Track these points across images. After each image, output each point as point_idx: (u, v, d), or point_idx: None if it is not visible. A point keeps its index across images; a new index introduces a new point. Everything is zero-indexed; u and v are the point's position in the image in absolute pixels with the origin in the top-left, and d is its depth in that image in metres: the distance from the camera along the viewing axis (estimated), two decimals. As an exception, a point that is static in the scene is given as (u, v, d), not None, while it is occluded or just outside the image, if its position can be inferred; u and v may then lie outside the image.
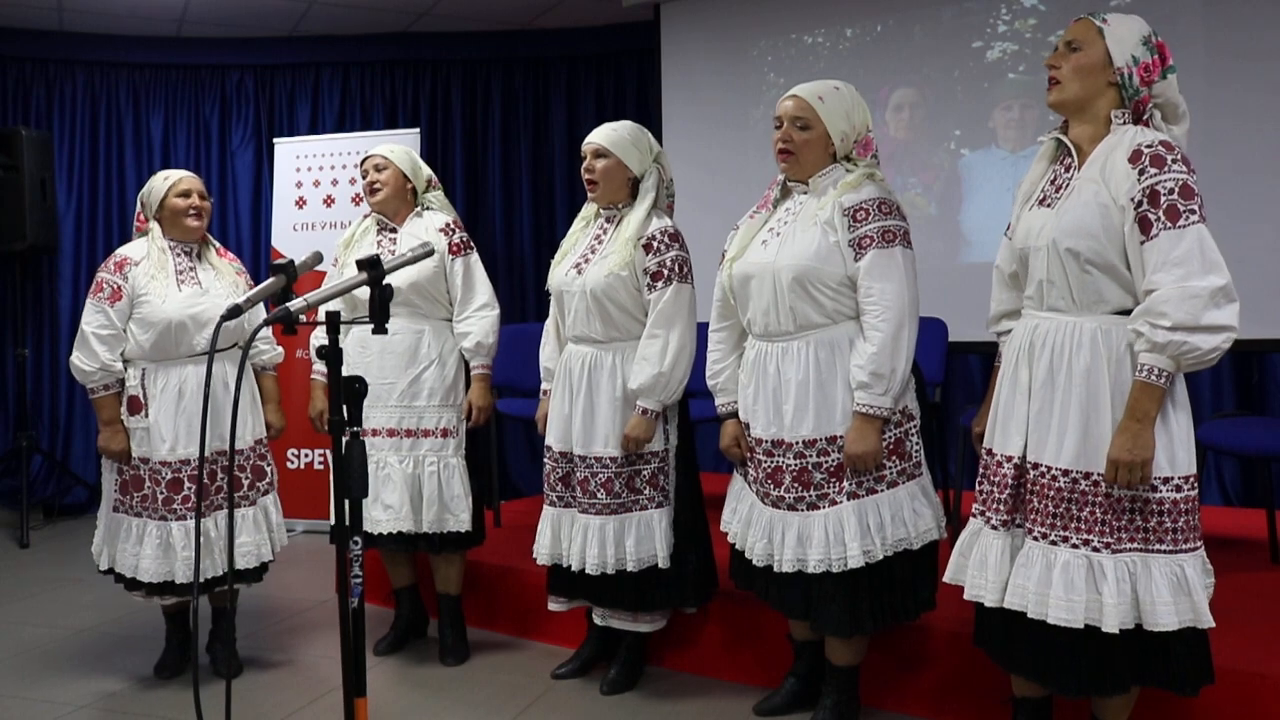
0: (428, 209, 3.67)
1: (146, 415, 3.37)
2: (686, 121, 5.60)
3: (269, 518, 3.54)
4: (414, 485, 3.52)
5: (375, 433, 3.51)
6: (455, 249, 3.59)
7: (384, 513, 3.50)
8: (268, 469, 3.57)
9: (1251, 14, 4.13)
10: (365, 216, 3.75)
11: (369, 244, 3.60)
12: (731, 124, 5.48)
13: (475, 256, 3.65)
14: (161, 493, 3.35)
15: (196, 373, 3.38)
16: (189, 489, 3.35)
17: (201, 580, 3.35)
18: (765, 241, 2.85)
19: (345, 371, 3.45)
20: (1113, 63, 2.32)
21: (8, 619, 4.26)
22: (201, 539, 3.33)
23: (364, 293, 3.31)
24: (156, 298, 3.34)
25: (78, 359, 3.37)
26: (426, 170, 3.73)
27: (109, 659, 3.74)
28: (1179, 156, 2.24)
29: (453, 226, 3.63)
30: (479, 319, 3.56)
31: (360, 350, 3.54)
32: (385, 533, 3.50)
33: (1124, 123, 2.34)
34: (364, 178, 3.64)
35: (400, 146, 3.70)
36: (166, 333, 3.35)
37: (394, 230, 3.62)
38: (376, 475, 3.50)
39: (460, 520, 3.53)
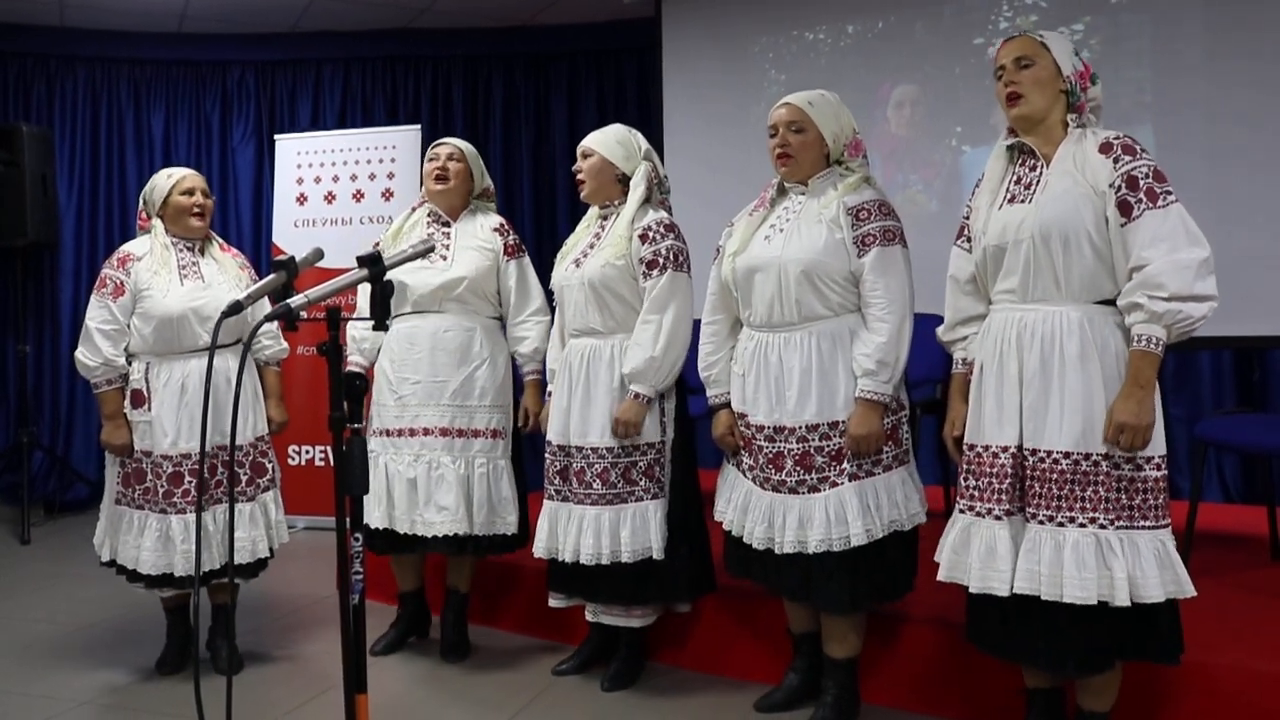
0: (479, 210, 3.66)
1: (149, 409, 3.38)
2: (688, 118, 5.59)
3: (268, 514, 3.53)
4: (466, 487, 3.47)
5: (428, 432, 3.47)
6: (510, 251, 3.59)
7: (438, 514, 3.43)
8: (269, 465, 3.56)
9: (1252, 13, 4.12)
10: (414, 209, 3.69)
11: (419, 236, 3.54)
12: (733, 120, 5.47)
13: (528, 259, 3.64)
14: (162, 486, 3.36)
15: (199, 367, 3.39)
16: (189, 483, 3.35)
17: (204, 572, 3.35)
18: (768, 237, 2.94)
19: (390, 369, 3.49)
20: (1062, 72, 2.49)
21: (9, 615, 4.27)
22: (200, 533, 3.34)
23: (417, 286, 3.37)
24: (159, 292, 3.36)
25: (81, 354, 3.39)
26: (489, 179, 3.73)
27: (110, 654, 3.74)
28: (1143, 146, 2.41)
29: (506, 228, 3.63)
30: (536, 324, 3.56)
31: (408, 346, 3.50)
32: (439, 535, 3.44)
33: (1077, 125, 2.49)
34: (431, 161, 3.60)
35: (471, 146, 3.68)
36: (168, 326, 3.36)
37: (448, 225, 3.59)
38: (429, 476, 3.45)
39: (508, 523, 3.50)
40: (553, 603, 3.42)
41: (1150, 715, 2.75)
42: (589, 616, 3.39)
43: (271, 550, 3.56)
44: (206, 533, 3.37)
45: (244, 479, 3.48)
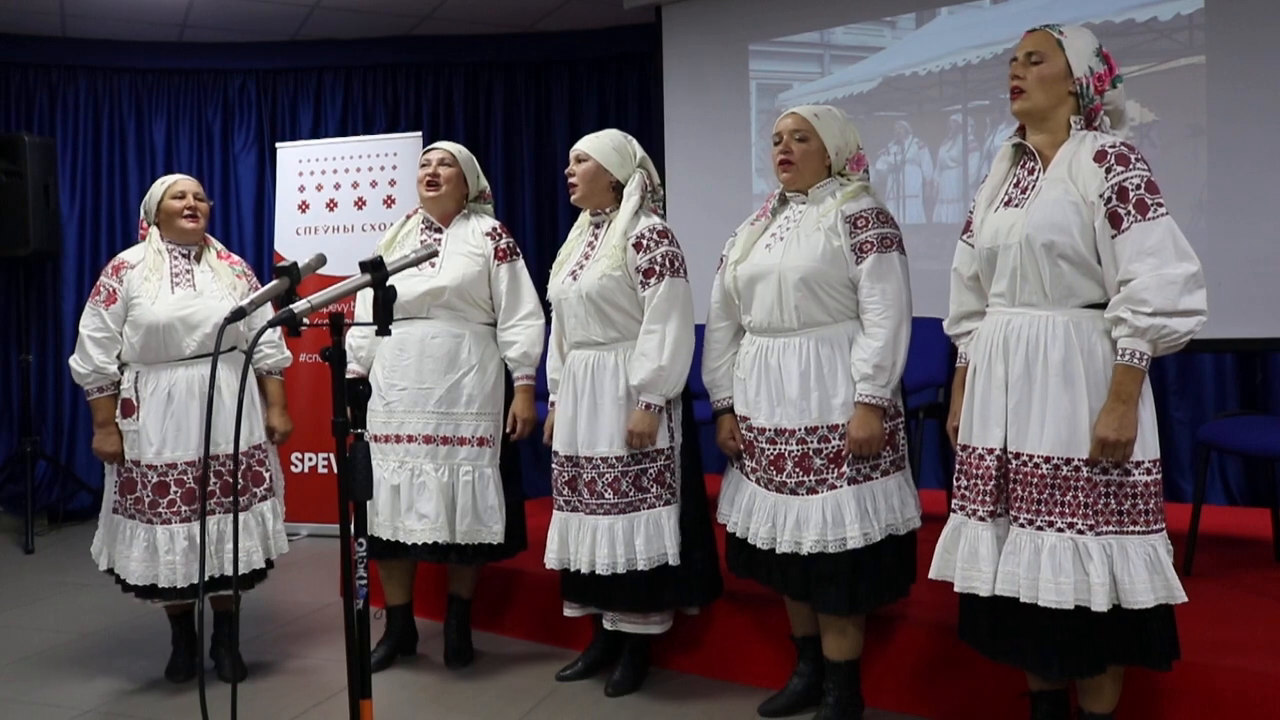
0: (474, 213, 3.64)
1: (137, 418, 3.38)
2: (688, 124, 5.59)
3: (265, 524, 3.49)
4: (448, 495, 3.46)
5: (411, 439, 3.46)
6: (501, 254, 3.55)
7: (419, 522, 3.43)
8: (266, 474, 3.52)
9: (1253, 12, 4.12)
10: (408, 217, 3.68)
11: (413, 245, 3.52)
12: (733, 127, 5.48)
13: (521, 263, 3.60)
14: (148, 496, 3.35)
15: (186, 376, 3.38)
16: (175, 493, 3.34)
17: (189, 585, 3.34)
18: (769, 246, 2.98)
19: (381, 375, 3.48)
20: (1072, 73, 2.46)
21: (12, 624, 4.27)
22: (187, 543, 3.33)
23: (404, 293, 3.38)
24: (147, 299, 3.36)
25: (74, 361, 3.41)
26: (485, 182, 3.71)
27: (113, 664, 3.74)
28: (1140, 155, 2.39)
29: (499, 231, 3.59)
30: (525, 328, 3.52)
31: (398, 353, 3.49)
32: (420, 543, 3.44)
33: (1081, 129, 2.46)
34: (423, 168, 3.58)
35: (465, 149, 3.66)
36: (154, 335, 3.36)
37: (439, 231, 3.58)
38: (412, 483, 3.44)
39: (493, 532, 3.47)
40: (568, 612, 3.43)
41: (1153, 717, 2.75)
42: (608, 625, 3.38)
43: (270, 561, 3.53)
44: (194, 543, 3.34)
45: (236, 488, 3.43)
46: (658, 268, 3.17)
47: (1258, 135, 4.09)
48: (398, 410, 3.48)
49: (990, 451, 2.49)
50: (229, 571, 3.37)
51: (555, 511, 3.34)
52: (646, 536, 3.17)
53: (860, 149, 3.02)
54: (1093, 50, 2.48)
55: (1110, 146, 2.38)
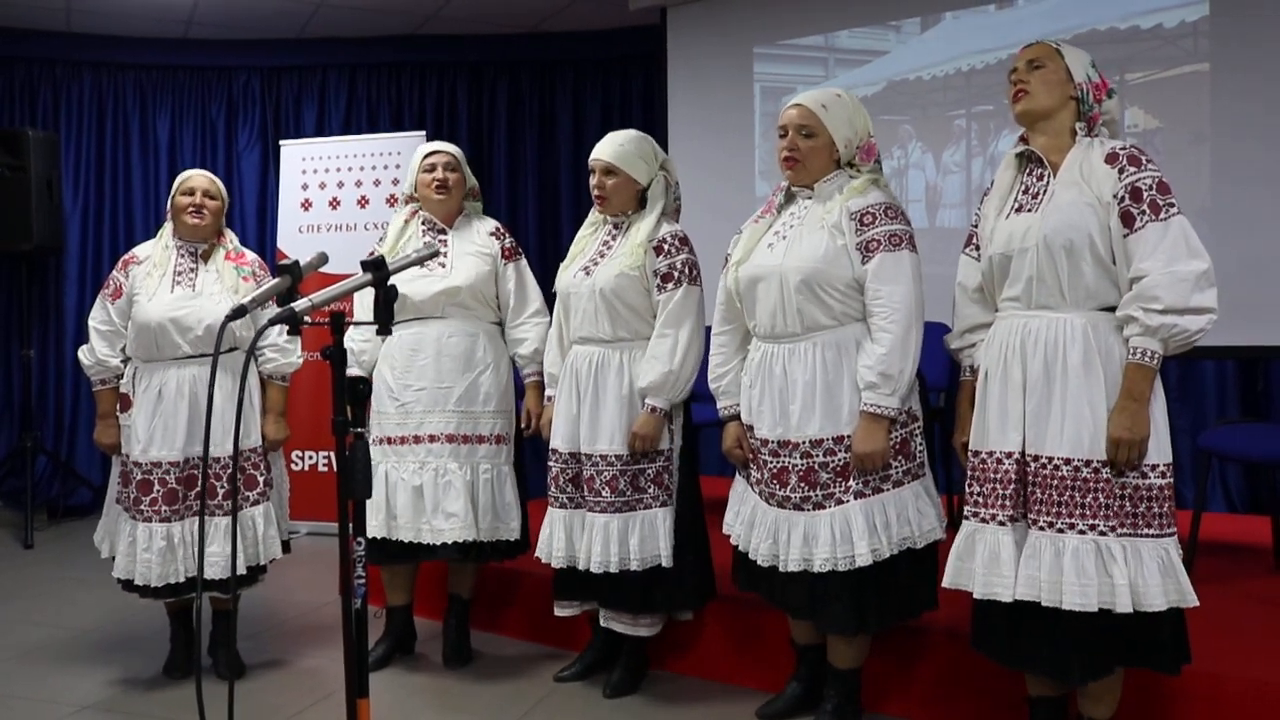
0: (472, 213, 3.66)
1: (131, 414, 3.40)
2: (693, 125, 5.60)
3: (256, 529, 3.45)
4: (471, 493, 3.46)
5: (434, 439, 3.45)
6: (508, 253, 3.59)
7: (447, 521, 3.41)
8: (260, 478, 3.48)
9: (1254, 27, 4.12)
10: (406, 221, 3.62)
11: (417, 247, 3.45)
12: (737, 128, 5.48)
13: (525, 262, 3.64)
14: (133, 492, 3.36)
15: (178, 375, 3.38)
16: (157, 491, 3.34)
17: (163, 585, 3.33)
18: (771, 245, 2.89)
19: (391, 376, 3.48)
20: (1073, 78, 2.49)
21: (11, 619, 4.27)
22: (164, 543, 3.32)
23: (416, 293, 3.37)
24: (145, 297, 3.38)
25: (81, 351, 3.49)
26: (474, 179, 3.72)
27: (112, 659, 3.74)
28: (1150, 157, 2.42)
29: (502, 231, 3.63)
30: (534, 325, 3.56)
31: (411, 354, 3.47)
32: (450, 542, 3.42)
33: (1085, 135, 2.49)
34: (428, 172, 3.55)
35: (458, 148, 3.66)
36: (147, 333, 3.37)
37: (444, 232, 3.57)
38: (437, 483, 3.42)
39: (511, 529, 3.49)
40: (559, 611, 3.40)
41: (1153, 725, 2.75)
42: (601, 621, 3.37)
43: (262, 566, 3.49)
44: (172, 543, 3.33)
45: (221, 491, 3.39)
46: (676, 274, 3.18)
47: (1261, 143, 4.09)
48: (415, 411, 3.47)
49: (1009, 455, 2.46)
50: (210, 575, 3.35)
51: (552, 509, 3.32)
52: (641, 537, 3.16)
53: (872, 136, 2.89)
54: (1088, 62, 2.53)
55: (1121, 148, 2.41)
